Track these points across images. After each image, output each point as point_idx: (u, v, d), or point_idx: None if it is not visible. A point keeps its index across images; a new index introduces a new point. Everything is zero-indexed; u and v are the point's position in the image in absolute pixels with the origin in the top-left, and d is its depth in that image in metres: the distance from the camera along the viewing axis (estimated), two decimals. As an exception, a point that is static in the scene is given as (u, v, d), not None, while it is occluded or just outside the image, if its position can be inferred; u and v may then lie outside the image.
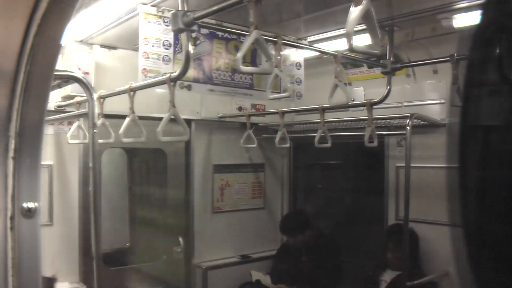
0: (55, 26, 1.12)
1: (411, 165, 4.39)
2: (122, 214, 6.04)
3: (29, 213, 1.16)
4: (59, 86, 3.99)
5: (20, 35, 1.08)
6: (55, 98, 4.61)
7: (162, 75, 3.50)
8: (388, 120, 4.90)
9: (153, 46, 3.62)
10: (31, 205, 1.16)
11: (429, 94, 4.97)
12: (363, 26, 2.17)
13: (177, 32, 2.99)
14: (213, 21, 3.76)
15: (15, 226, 1.14)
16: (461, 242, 1.53)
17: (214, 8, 2.65)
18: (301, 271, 5.61)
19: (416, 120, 4.59)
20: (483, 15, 1.68)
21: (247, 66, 4.01)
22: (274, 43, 3.39)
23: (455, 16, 3.79)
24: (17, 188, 1.14)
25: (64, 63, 4.55)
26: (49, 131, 4.71)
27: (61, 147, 4.81)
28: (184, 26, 2.77)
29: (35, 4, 1.05)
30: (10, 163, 1.13)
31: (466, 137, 1.56)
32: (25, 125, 1.14)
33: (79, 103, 4.34)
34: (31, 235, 1.17)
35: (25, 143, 1.14)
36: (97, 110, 3.57)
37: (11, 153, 1.12)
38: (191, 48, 2.93)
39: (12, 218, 1.13)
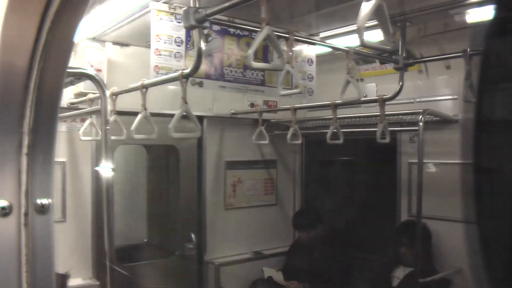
0: (69, 22, 1.12)
1: (424, 161, 4.38)
2: (139, 210, 6.08)
3: (43, 209, 1.16)
4: (71, 83, 4.00)
5: (33, 31, 1.08)
6: (67, 95, 4.62)
7: (174, 72, 3.51)
8: (401, 116, 4.88)
9: (165, 43, 3.63)
10: (44, 201, 1.16)
11: (441, 90, 4.94)
12: (375, 22, 2.16)
13: (189, 29, 2.99)
14: (225, 18, 3.76)
15: (28, 223, 1.14)
16: (475, 239, 1.52)
17: (226, 4, 2.65)
18: (313, 267, 5.61)
19: (428, 116, 4.57)
20: (496, 9, 1.67)
21: (258, 62, 4.00)
22: (286, 39, 3.38)
23: (468, 11, 3.77)
24: (30, 184, 1.14)
25: (76, 61, 4.57)
26: (62, 128, 4.73)
27: (73, 144, 4.83)
28: (196, 22, 2.76)
29: (49, 0, 1.05)
30: (24, 160, 1.13)
31: (481, 132, 1.55)
32: (39, 121, 1.14)
33: (92, 100, 4.36)
34: (44, 231, 1.17)
35: (38, 139, 1.15)
36: (109, 107, 3.57)
37: (24, 150, 1.13)
38: (203, 45, 2.93)
39: (26, 214, 1.14)
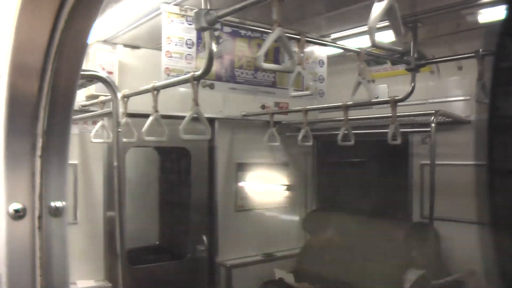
0: (83, 22, 1.12)
1: (436, 162, 4.35)
2: (151, 212, 6.09)
3: (57, 212, 1.16)
4: (83, 85, 4.02)
5: (47, 32, 1.07)
6: (79, 98, 4.63)
7: (185, 74, 3.51)
8: (412, 118, 4.85)
9: (176, 45, 3.63)
10: (58, 204, 1.16)
11: (453, 91, 4.92)
12: (386, 23, 2.15)
13: (200, 31, 2.99)
14: (236, 19, 3.76)
15: (43, 225, 1.14)
16: (489, 241, 1.51)
17: (237, 6, 2.64)
18: (324, 269, 5.59)
19: (440, 117, 4.55)
20: (509, 8, 1.65)
21: (269, 63, 4.00)
22: (297, 40, 3.37)
23: (480, 11, 3.75)
24: (44, 187, 1.14)
25: (88, 63, 4.58)
26: (73, 130, 4.73)
27: (85, 147, 4.84)
28: (207, 24, 2.76)
29: (62, 0, 1.05)
30: (38, 162, 1.13)
31: (494, 134, 1.54)
32: (53, 123, 1.13)
33: (103, 103, 4.37)
34: (58, 234, 1.17)
35: (52, 141, 1.14)
36: (121, 109, 3.58)
37: (38, 152, 1.13)
38: (214, 47, 2.93)
39: (40, 217, 1.13)
